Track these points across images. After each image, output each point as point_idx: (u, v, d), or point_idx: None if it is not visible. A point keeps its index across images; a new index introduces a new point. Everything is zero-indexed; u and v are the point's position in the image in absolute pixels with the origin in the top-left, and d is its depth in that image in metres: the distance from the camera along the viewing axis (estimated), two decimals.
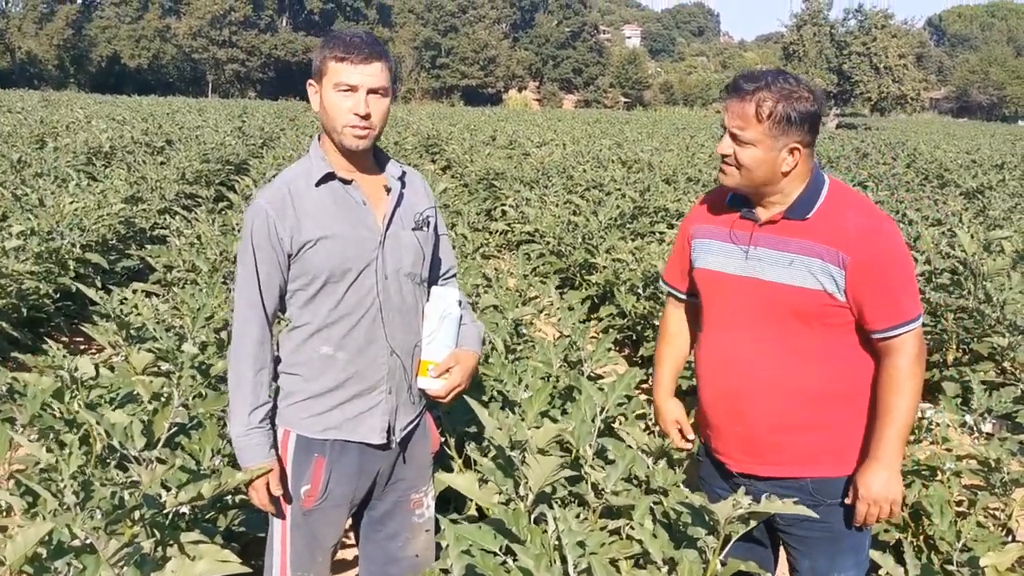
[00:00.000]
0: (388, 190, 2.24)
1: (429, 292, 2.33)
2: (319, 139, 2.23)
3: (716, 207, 2.34)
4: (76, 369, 3.03)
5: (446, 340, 2.28)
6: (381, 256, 2.18)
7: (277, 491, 2.18)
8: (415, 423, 2.35)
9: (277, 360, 2.25)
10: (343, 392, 2.20)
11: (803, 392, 2.17)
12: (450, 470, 3.01)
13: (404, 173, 2.31)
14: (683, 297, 2.49)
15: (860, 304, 2.12)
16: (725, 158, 2.16)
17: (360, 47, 2.07)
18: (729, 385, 2.24)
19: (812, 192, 2.18)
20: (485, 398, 3.44)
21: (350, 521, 2.40)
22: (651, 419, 3.39)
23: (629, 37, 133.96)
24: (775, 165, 2.12)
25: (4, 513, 2.73)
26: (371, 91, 2.10)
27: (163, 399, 2.60)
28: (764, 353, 2.18)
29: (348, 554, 3.23)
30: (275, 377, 2.24)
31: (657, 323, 5.65)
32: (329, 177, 2.17)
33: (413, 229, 2.27)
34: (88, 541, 1.85)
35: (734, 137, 2.13)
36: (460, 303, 2.32)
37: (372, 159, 2.25)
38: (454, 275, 2.49)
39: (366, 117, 2.10)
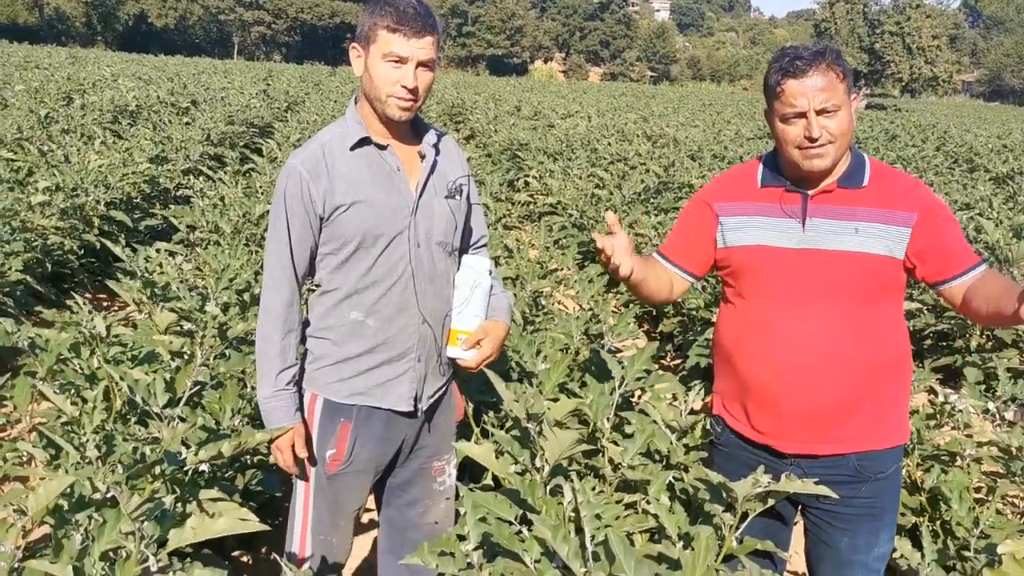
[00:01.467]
0: (422, 157, 2.22)
1: (460, 261, 2.32)
2: (355, 102, 2.20)
3: (745, 186, 2.28)
4: (94, 327, 3.05)
5: (476, 310, 2.27)
6: (413, 223, 2.17)
7: (302, 452, 2.19)
8: (442, 391, 2.35)
9: (306, 323, 2.24)
10: (372, 358, 2.19)
11: (872, 363, 2.14)
12: (468, 438, 3.02)
13: (439, 140, 2.28)
14: (682, 275, 2.41)
15: (937, 253, 2.11)
16: (814, 141, 2.08)
17: (414, 19, 2.03)
18: (796, 361, 2.15)
19: (859, 159, 2.20)
20: (503, 369, 3.44)
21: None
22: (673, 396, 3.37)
23: (658, 10, 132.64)
24: (852, 124, 2.13)
25: (26, 465, 2.77)
26: (420, 64, 2.07)
27: (185, 357, 2.62)
28: (834, 327, 2.13)
29: (365, 517, 3.26)
30: (303, 340, 2.24)
31: (678, 300, 5.63)
32: (365, 142, 2.15)
33: (446, 197, 2.24)
34: (110, 495, 1.87)
35: (822, 112, 2.07)
36: (491, 272, 2.30)
37: (410, 126, 2.23)
38: (485, 244, 2.47)
39: (413, 90, 2.08)
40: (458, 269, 2.31)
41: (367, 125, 2.16)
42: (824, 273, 2.13)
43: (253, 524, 2.00)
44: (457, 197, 2.28)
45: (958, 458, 3.26)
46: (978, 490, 3.46)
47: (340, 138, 2.16)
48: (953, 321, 5.41)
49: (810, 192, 2.16)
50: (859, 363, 2.14)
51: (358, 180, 2.13)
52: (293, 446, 2.18)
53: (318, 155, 2.13)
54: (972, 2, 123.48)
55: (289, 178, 2.12)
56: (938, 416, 3.41)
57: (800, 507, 2.34)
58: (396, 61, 2.05)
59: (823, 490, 1.99)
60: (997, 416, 3.55)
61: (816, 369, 2.14)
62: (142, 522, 1.72)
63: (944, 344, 5.50)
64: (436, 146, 2.26)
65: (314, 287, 2.25)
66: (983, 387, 3.73)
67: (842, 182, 2.15)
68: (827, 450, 2.19)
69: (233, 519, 1.96)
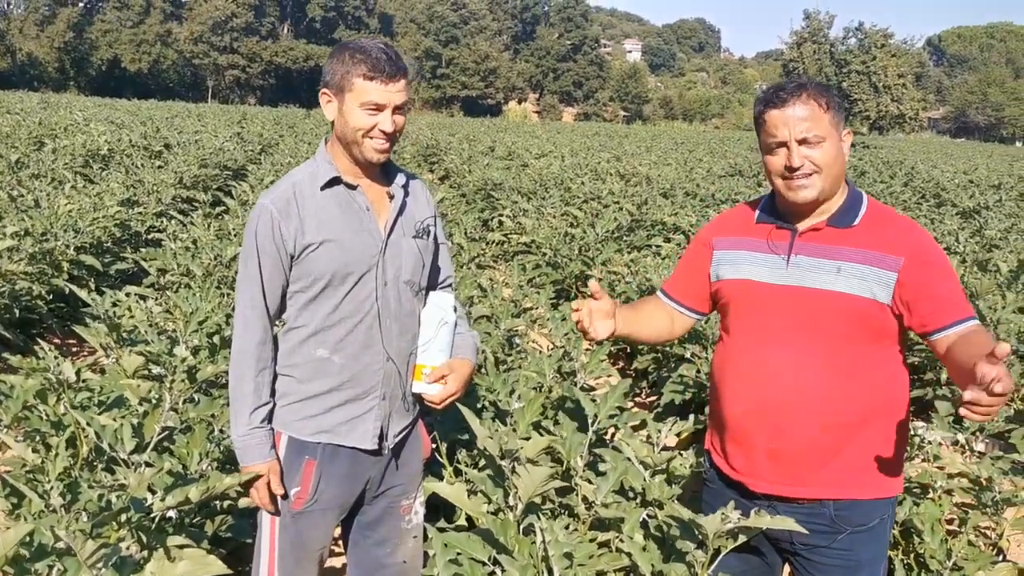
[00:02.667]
0: (391, 197, 2.25)
1: (426, 298, 2.33)
2: (326, 143, 2.23)
3: (742, 222, 2.27)
4: (61, 372, 3.01)
5: (442, 346, 2.29)
6: (382, 262, 2.19)
7: (278, 490, 2.19)
8: (407, 430, 2.34)
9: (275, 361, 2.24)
10: (337, 396, 2.19)
11: (848, 407, 2.09)
12: (440, 477, 3.00)
13: (408, 181, 2.31)
14: (682, 311, 2.41)
15: (923, 302, 2.03)
16: (797, 172, 2.07)
17: (388, 64, 2.07)
18: (768, 399, 2.13)
19: (854, 199, 2.15)
20: (475, 407, 3.43)
21: (339, 528, 2.38)
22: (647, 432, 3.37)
23: (630, 51, 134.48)
24: (842, 156, 2.10)
25: None
26: (395, 108, 2.11)
27: (153, 402, 2.59)
28: (808, 366, 2.10)
29: (337, 562, 3.22)
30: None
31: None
32: (335, 181, 2.18)
33: (414, 237, 2.27)
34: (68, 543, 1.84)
35: (804, 142, 2.06)
36: (456, 310, 2.32)
37: (380, 167, 2.25)
38: (451, 284, 2.48)
39: (390, 134, 2.12)
40: (424, 306, 2.32)
41: (338, 165, 2.19)
42: (803, 311, 2.11)
43: (215, 567, 1.97)
44: (425, 237, 2.31)
45: (930, 490, 3.28)
46: (950, 522, 3.47)
47: (311, 178, 2.18)
48: (924, 354, 5.46)
49: (799, 229, 2.15)
50: (835, 405, 2.08)
51: (328, 219, 2.15)
52: (268, 484, 2.17)
53: (289, 194, 2.15)
54: (936, 41, 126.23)
55: (260, 217, 2.14)
56: (908, 448, 3.43)
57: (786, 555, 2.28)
58: (374, 108, 2.09)
59: (791, 524, 1.97)
60: (967, 448, 3.58)
61: (786, 406, 2.11)
62: (100, 570, 1.68)
63: (915, 377, 5.54)
64: (405, 187, 2.29)
65: (279, 325, 2.25)
66: (952, 419, 3.75)
67: (832, 221, 2.12)
68: (800, 493, 2.14)
69: (194, 563, 1.93)
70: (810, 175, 2.07)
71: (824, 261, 2.10)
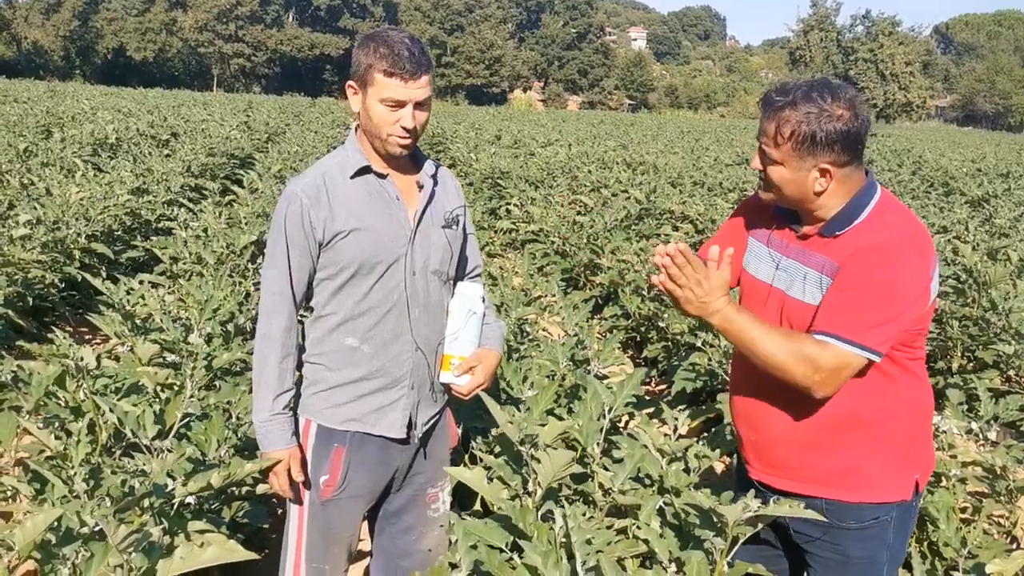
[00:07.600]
0: (420, 187, 2.25)
1: (454, 289, 2.34)
2: (356, 131, 2.23)
3: (768, 209, 2.23)
4: (81, 358, 3.03)
5: (471, 336, 2.29)
6: (410, 252, 2.20)
7: (299, 477, 2.20)
8: (435, 419, 2.36)
9: (302, 349, 2.26)
10: (366, 385, 2.21)
11: (811, 412, 2.08)
12: (458, 464, 3.00)
13: (437, 171, 2.32)
14: None
15: (823, 303, 2.02)
16: (760, 174, 2.09)
17: (409, 61, 2.04)
18: (747, 391, 2.21)
19: (852, 211, 2.05)
20: (493, 396, 3.43)
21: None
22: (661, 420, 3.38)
23: (635, 39, 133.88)
24: (805, 185, 2.03)
25: (11, 500, 2.73)
26: (417, 104, 2.10)
27: (175, 388, 2.60)
28: None
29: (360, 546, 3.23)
30: (299, 366, 2.25)
31: (661, 324, 5.67)
32: (365, 170, 2.18)
33: (443, 227, 2.28)
34: (97, 528, 1.85)
35: (763, 154, 2.06)
36: (483, 300, 2.33)
37: (408, 157, 2.25)
38: (479, 274, 2.50)
39: (411, 130, 2.11)
40: (452, 296, 2.33)
41: (367, 154, 2.19)
42: (779, 315, 2.14)
43: (241, 553, 1.99)
44: (454, 227, 2.32)
45: (944, 479, 3.28)
46: (964, 510, 3.48)
47: (340, 167, 2.19)
48: (935, 343, 5.45)
49: (798, 232, 2.14)
50: (802, 410, 2.09)
51: (358, 208, 2.16)
52: (289, 471, 2.18)
53: (319, 182, 2.15)
54: (944, 29, 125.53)
55: (290, 204, 2.14)
56: None
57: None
58: (394, 105, 2.08)
59: (811, 514, 1.99)
60: (980, 436, 3.58)
61: (760, 403, 2.17)
62: (130, 554, 1.70)
63: (927, 366, 5.53)
64: (434, 177, 2.29)
65: (307, 313, 2.25)
66: (966, 408, 3.75)
67: (823, 229, 2.09)
68: (781, 485, 2.18)
69: (221, 548, 1.95)
70: (764, 182, 2.10)
71: (801, 268, 2.11)
